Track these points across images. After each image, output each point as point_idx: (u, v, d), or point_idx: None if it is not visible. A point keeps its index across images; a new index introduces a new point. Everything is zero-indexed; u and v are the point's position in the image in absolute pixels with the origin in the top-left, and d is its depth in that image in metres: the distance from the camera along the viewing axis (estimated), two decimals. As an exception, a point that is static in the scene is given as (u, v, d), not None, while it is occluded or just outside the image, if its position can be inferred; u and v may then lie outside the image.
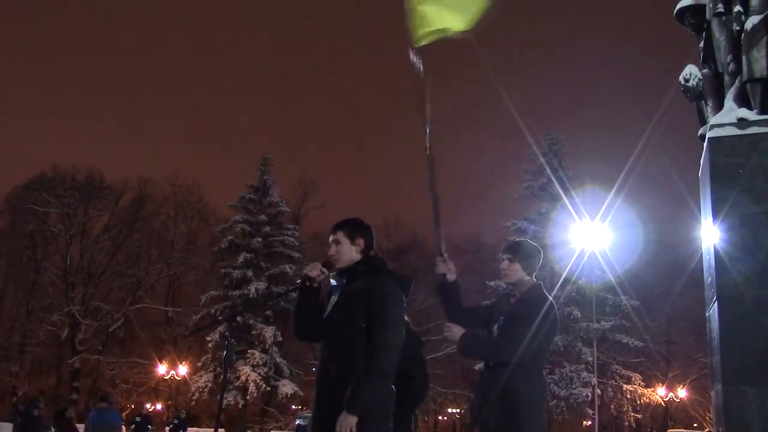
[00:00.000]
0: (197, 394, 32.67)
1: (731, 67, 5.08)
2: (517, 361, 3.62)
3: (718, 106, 5.19)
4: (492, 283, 31.50)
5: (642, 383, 32.97)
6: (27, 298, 39.54)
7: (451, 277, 4.00)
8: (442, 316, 4.09)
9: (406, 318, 4.94)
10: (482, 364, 4.12)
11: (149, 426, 18.50)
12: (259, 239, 34.75)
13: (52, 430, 15.00)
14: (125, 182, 41.71)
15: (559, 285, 26.24)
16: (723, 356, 4.46)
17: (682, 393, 36.09)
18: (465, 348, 3.90)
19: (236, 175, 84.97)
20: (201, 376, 33.00)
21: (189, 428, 31.10)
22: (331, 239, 3.53)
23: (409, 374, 4.79)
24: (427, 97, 4.01)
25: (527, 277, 3.92)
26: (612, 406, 32.33)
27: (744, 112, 4.85)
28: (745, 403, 4.29)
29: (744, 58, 4.92)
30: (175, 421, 22.88)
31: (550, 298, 3.86)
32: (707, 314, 5.03)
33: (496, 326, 3.84)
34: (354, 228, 3.51)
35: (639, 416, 34.72)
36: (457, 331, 3.84)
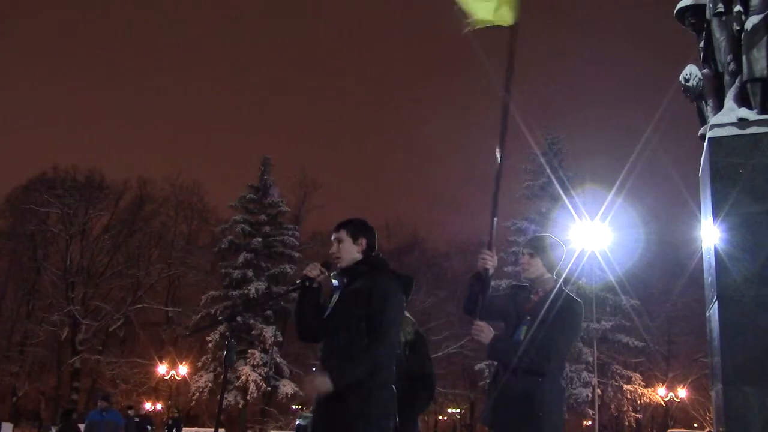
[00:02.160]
0: (197, 394, 32.69)
1: (731, 67, 5.08)
2: (546, 368, 3.54)
3: (718, 106, 5.19)
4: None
5: (642, 383, 32.99)
6: (27, 299, 39.56)
7: (492, 271, 3.84)
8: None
9: (413, 320, 4.95)
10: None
11: (149, 426, 18.48)
12: (259, 239, 34.77)
13: (53, 429, 15.00)
14: (125, 182, 41.87)
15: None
16: (723, 356, 4.46)
17: (682, 393, 36.08)
18: (497, 354, 3.73)
19: (236, 175, 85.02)
20: (201, 376, 33.02)
21: (189, 428, 31.12)
22: (333, 237, 3.52)
23: (416, 377, 4.79)
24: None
25: (548, 274, 3.78)
26: (612, 406, 32.35)
27: (744, 112, 4.85)
28: (745, 403, 4.28)
29: (744, 58, 4.92)
30: (169, 422, 22.80)
31: (579, 299, 3.75)
32: (707, 314, 5.03)
33: (524, 327, 3.67)
34: (357, 228, 3.51)
35: (639, 416, 34.73)
36: (487, 333, 3.67)
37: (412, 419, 4.79)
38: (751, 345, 4.37)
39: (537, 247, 3.84)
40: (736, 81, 5.02)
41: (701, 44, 5.63)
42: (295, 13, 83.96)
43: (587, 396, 29.65)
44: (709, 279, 4.94)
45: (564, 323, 3.57)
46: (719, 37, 5.25)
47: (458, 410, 45.46)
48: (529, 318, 3.68)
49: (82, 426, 12.96)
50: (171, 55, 79.16)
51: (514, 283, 4.18)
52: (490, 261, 3.78)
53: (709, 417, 29.63)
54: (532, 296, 3.80)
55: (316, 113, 79.46)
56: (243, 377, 31.69)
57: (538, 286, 3.80)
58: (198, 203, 43.90)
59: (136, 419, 18.64)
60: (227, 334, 29.98)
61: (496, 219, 3.87)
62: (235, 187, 56.07)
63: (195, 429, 33.12)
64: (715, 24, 5.31)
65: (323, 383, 3.12)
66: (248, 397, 32.14)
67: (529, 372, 3.53)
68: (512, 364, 3.62)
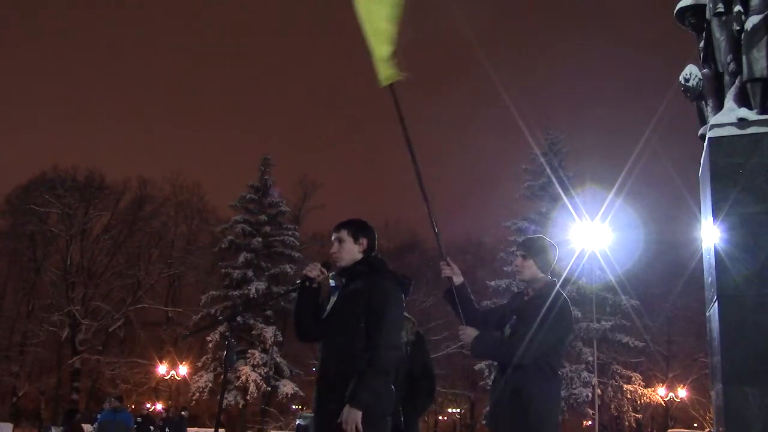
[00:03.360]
0: (197, 394, 32.68)
1: (731, 67, 5.08)
2: (529, 361, 3.56)
3: (718, 106, 5.19)
4: (492, 283, 31.55)
5: (642, 383, 32.98)
6: (27, 299, 39.53)
7: (458, 279, 3.94)
8: (456, 320, 4.03)
9: (413, 320, 4.96)
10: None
11: (151, 427, 18.49)
12: (260, 239, 34.77)
13: (53, 429, 14.97)
14: (125, 182, 41.80)
15: (559, 285, 26.23)
16: (723, 356, 4.46)
17: (682, 393, 36.09)
18: (476, 350, 3.82)
19: (236, 175, 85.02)
20: (201, 376, 33.02)
21: (189, 428, 31.11)
22: (333, 237, 3.52)
23: (417, 377, 4.79)
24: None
25: (541, 275, 3.82)
26: (612, 406, 32.33)
27: (744, 112, 4.85)
28: (746, 403, 4.29)
29: (744, 58, 4.92)
30: (161, 422, 22.46)
31: (565, 295, 3.78)
32: (707, 314, 5.03)
33: (508, 325, 3.75)
34: (358, 228, 3.51)
35: (639, 416, 34.71)
36: (470, 332, 3.76)
37: (414, 419, 4.80)
38: (751, 345, 4.38)
39: (530, 248, 3.89)
40: (736, 81, 5.03)
41: (701, 44, 5.63)
42: (296, 12, 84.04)
43: (587, 396, 29.62)
44: (709, 279, 4.94)
45: (548, 319, 3.60)
46: (719, 37, 5.25)
47: (458, 410, 45.47)
48: (515, 317, 3.75)
49: (84, 426, 12.96)
50: (171, 55, 79.22)
51: (515, 284, 4.27)
52: (448, 269, 3.93)
53: (709, 417, 29.62)
54: (524, 297, 3.86)
55: (316, 113, 79.49)
56: (243, 377, 31.67)
57: (530, 286, 3.86)
58: (198, 203, 43.93)
59: (139, 420, 18.66)
60: (227, 334, 29.83)
61: (438, 232, 3.96)
62: (235, 187, 56.02)
63: (195, 429, 33.12)
64: (715, 24, 5.32)
65: (354, 417, 3.07)
66: (248, 397, 32.12)
67: (514, 367, 3.59)
68: (493, 357, 3.78)
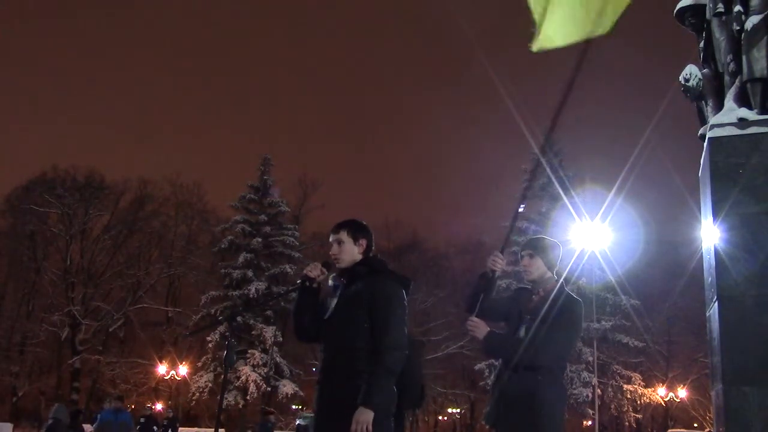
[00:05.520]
0: (197, 394, 32.69)
1: (731, 67, 5.08)
2: (546, 363, 3.58)
3: (718, 106, 5.19)
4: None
5: (642, 383, 33.00)
6: (27, 298, 39.59)
7: (499, 273, 3.91)
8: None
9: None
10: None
11: (154, 427, 18.43)
12: (260, 239, 34.77)
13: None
14: (125, 182, 41.82)
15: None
16: (723, 356, 4.46)
17: (682, 393, 36.09)
18: (492, 348, 3.78)
19: (236, 175, 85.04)
20: (201, 376, 33.02)
21: (189, 428, 31.13)
22: (332, 238, 3.51)
23: (405, 375, 4.78)
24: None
25: (549, 274, 3.82)
26: (612, 406, 32.35)
27: (744, 112, 4.85)
28: (745, 403, 4.28)
29: (744, 58, 4.92)
30: (164, 422, 22.15)
31: (579, 298, 3.78)
32: (707, 314, 5.03)
33: (524, 326, 3.70)
34: (357, 228, 3.51)
35: (639, 416, 34.76)
36: (482, 328, 3.71)
37: (398, 420, 4.79)
38: (751, 345, 4.37)
39: (536, 247, 3.89)
40: (736, 81, 5.02)
41: (701, 44, 5.63)
42: (297, 12, 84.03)
43: (587, 396, 29.64)
44: (709, 279, 4.94)
45: (564, 322, 3.60)
46: (719, 37, 5.25)
47: (458, 410, 45.48)
48: (529, 317, 3.71)
49: (85, 426, 12.92)
50: (170, 56, 79.21)
51: (516, 284, 4.25)
52: (500, 263, 3.85)
53: (709, 417, 29.63)
54: (534, 296, 3.84)
55: (316, 113, 79.54)
56: (243, 377, 31.68)
57: (540, 286, 3.84)
58: (198, 203, 43.93)
59: (141, 420, 18.60)
60: (227, 334, 29.85)
61: (511, 231, 4.05)
62: (235, 187, 56.11)
63: (195, 429, 33.12)
64: (715, 24, 5.32)
65: (366, 418, 3.07)
66: (248, 397, 32.13)
67: (527, 368, 3.56)
68: (510, 361, 3.66)
